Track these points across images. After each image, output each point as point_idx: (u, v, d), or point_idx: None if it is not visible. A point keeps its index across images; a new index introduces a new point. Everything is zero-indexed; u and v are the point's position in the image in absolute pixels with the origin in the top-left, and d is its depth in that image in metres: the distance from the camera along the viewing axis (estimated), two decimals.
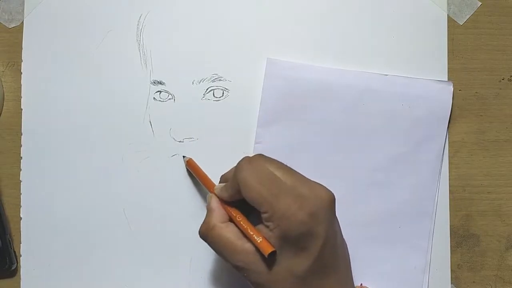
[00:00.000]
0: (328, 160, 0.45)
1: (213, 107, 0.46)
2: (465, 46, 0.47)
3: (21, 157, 0.46)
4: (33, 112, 0.46)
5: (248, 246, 0.37)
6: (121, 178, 0.46)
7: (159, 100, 0.46)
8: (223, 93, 0.46)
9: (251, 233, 0.37)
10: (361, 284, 0.44)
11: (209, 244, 0.39)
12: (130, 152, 0.46)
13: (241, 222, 0.38)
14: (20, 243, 0.45)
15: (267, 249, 0.36)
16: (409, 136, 0.45)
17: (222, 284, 0.45)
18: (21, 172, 0.46)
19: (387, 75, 0.46)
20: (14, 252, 0.45)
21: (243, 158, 0.38)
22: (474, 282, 0.46)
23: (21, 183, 0.46)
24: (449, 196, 0.46)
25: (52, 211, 0.46)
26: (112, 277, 0.45)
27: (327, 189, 0.37)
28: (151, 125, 0.46)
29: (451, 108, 0.46)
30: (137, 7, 0.46)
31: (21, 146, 0.46)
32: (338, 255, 0.38)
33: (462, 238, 0.46)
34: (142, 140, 0.46)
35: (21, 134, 0.46)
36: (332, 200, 0.37)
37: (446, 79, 0.46)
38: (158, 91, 0.46)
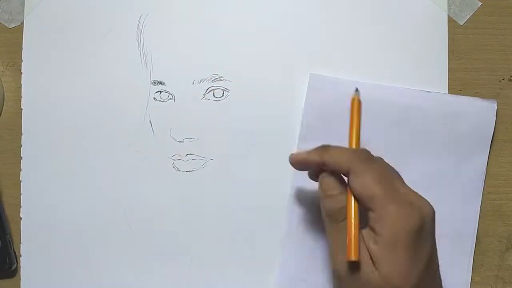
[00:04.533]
0: None
1: (213, 107, 0.46)
2: (465, 46, 0.47)
3: (21, 157, 0.46)
4: (33, 112, 0.46)
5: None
6: (121, 178, 0.46)
7: (159, 100, 0.46)
8: (223, 93, 0.46)
9: (353, 233, 0.35)
10: None
11: (330, 230, 0.37)
12: (130, 152, 0.46)
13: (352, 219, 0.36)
14: (20, 243, 0.45)
15: (353, 255, 0.34)
16: (451, 154, 0.45)
17: (222, 284, 0.45)
18: (21, 172, 0.46)
19: (430, 92, 0.45)
20: (14, 252, 0.45)
21: (361, 149, 0.38)
22: (474, 282, 0.46)
23: (21, 183, 0.46)
24: None
25: (52, 211, 0.46)
26: (112, 277, 0.45)
27: (429, 203, 0.36)
28: (151, 125, 0.46)
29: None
30: (137, 7, 0.46)
31: (21, 146, 0.46)
32: (438, 270, 0.37)
33: None
34: (142, 140, 0.46)
35: (21, 134, 0.46)
36: (434, 215, 0.36)
37: (446, 79, 0.46)
38: (158, 91, 0.46)
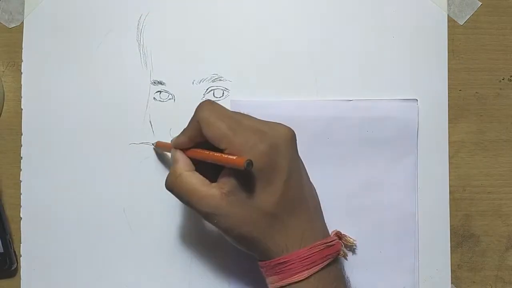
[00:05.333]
0: None
1: None
2: (465, 46, 0.47)
3: (21, 157, 0.46)
4: (33, 112, 0.46)
5: (214, 190, 0.37)
6: (121, 178, 0.46)
7: (159, 100, 0.46)
8: (223, 93, 0.46)
9: (220, 157, 0.36)
10: (338, 230, 0.43)
11: (176, 194, 0.39)
12: (130, 152, 0.46)
13: (206, 154, 0.38)
14: (20, 243, 0.45)
15: (241, 160, 0.34)
16: (380, 158, 0.45)
17: (222, 284, 0.45)
18: (21, 172, 0.46)
19: (351, 100, 0.46)
20: (14, 252, 0.45)
21: (204, 100, 0.39)
22: (474, 282, 0.46)
23: (21, 183, 0.46)
24: (449, 196, 0.46)
25: (52, 211, 0.46)
26: (112, 277, 0.45)
27: (287, 126, 0.38)
28: (151, 125, 0.46)
29: (448, 110, 0.46)
30: (137, 7, 0.46)
31: (21, 146, 0.46)
32: (305, 193, 0.38)
33: (462, 238, 0.46)
34: (142, 140, 0.46)
35: (21, 134, 0.46)
36: (292, 135, 0.38)
37: (446, 79, 0.46)
38: (158, 91, 0.46)
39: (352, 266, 0.45)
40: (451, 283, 0.46)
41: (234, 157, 0.35)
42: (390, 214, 0.45)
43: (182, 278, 0.45)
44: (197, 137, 0.38)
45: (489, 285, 0.46)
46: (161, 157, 0.46)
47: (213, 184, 0.37)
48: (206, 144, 0.38)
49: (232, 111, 0.38)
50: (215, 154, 0.37)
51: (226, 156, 0.36)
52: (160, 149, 0.45)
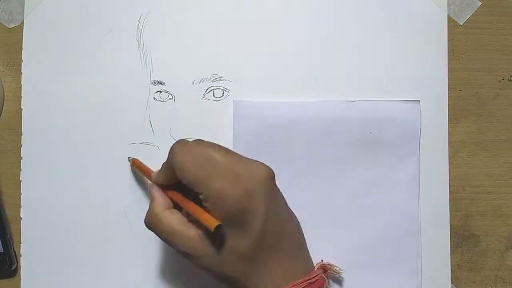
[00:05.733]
0: (304, 194, 0.45)
1: (213, 107, 0.46)
2: (465, 46, 0.47)
3: (21, 157, 0.46)
4: (33, 112, 0.46)
5: (193, 231, 0.37)
6: (121, 178, 0.46)
7: (159, 100, 0.46)
8: (223, 93, 0.46)
9: (195, 210, 0.36)
10: (322, 261, 0.43)
11: (155, 233, 0.39)
12: (130, 152, 0.46)
13: (183, 202, 0.38)
14: (20, 243, 0.45)
15: (213, 223, 0.35)
16: (382, 159, 0.45)
17: (222, 284, 0.45)
18: (21, 172, 0.46)
19: (353, 101, 0.45)
20: (14, 252, 0.45)
21: (176, 141, 0.38)
22: (474, 282, 0.46)
23: (21, 183, 0.46)
24: (449, 196, 0.46)
25: (52, 211, 0.46)
26: (112, 277, 0.45)
27: (264, 165, 0.37)
28: (151, 125, 0.46)
29: (448, 110, 0.46)
30: (137, 7, 0.46)
31: (21, 146, 0.46)
32: (284, 231, 0.38)
33: (462, 238, 0.46)
34: (142, 140, 0.46)
35: (21, 134, 0.46)
36: (269, 177, 0.37)
37: (446, 79, 0.46)
38: (158, 91, 0.46)
39: (354, 268, 0.45)
40: (451, 283, 0.46)
41: (207, 217, 0.35)
42: (392, 216, 0.45)
43: (182, 278, 0.45)
44: (175, 178, 0.38)
45: (489, 285, 0.46)
46: (134, 173, 0.46)
47: (191, 224, 0.38)
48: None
49: (207, 150, 0.37)
50: (192, 205, 0.37)
51: (200, 213, 0.36)
52: (135, 169, 0.45)
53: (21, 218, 0.46)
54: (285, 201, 0.39)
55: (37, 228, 0.46)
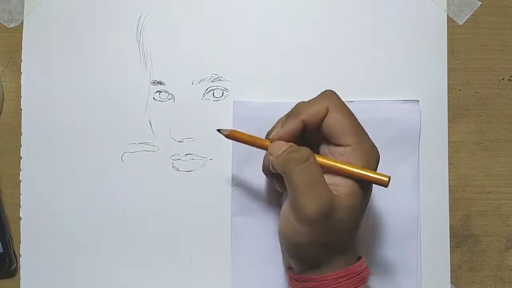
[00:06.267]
0: None
1: (213, 107, 0.46)
2: (465, 46, 0.47)
3: (21, 157, 0.46)
4: (33, 112, 0.46)
5: (329, 193, 0.35)
6: (121, 178, 0.46)
7: (159, 100, 0.46)
8: (223, 93, 0.46)
9: (359, 169, 0.35)
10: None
11: (294, 177, 0.34)
12: (130, 152, 0.46)
13: (329, 161, 0.36)
14: (20, 243, 0.46)
15: (385, 176, 0.35)
16: (382, 159, 0.45)
17: (222, 284, 0.45)
18: (21, 172, 0.46)
19: (352, 101, 0.45)
20: (14, 252, 0.45)
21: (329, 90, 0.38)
22: (474, 282, 0.46)
23: (21, 183, 0.46)
24: (449, 196, 0.46)
25: (52, 211, 0.46)
26: (112, 277, 0.45)
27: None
28: (151, 125, 0.46)
29: (448, 110, 0.46)
30: (137, 7, 0.46)
31: (21, 146, 0.46)
32: None
33: (462, 238, 0.46)
34: (142, 140, 0.46)
35: (21, 134, 0.46)
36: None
37: (446, 79, 0.46)
38: (158, 91, 0.46)
39: None
40: (451, 283, 0.46)
41: (379, 174, 0.36)
42: (392, 216, 0.45)
43: (182, 278, 0.46)
44: (297, 133, 0.36)
45: (488, 285, 0.46)
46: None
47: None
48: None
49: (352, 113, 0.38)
50: (352, 166, 0.36)
51: (369, 171, 0.36)
52: (232, 137, 0.40)
53: (20, 218, 0.46)
54: None
55: (37, 228, 0.46)
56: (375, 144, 0.37)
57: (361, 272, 0.37)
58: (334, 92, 0.38)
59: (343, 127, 0.36)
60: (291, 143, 0.37)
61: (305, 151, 0.35)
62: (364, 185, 0.36)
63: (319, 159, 0.36)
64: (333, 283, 0.36)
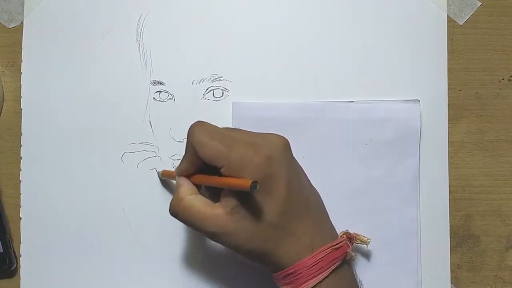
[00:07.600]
0: None
1: (213, 107, 0.46)
2: (465, 46, 0.47)
3: (21, 157, 0.46)
4: (33, 112, 0.46)
5: (218, 210, 0.37)
6: (121, 178, 0.46)
7: (159, 100, 0.46)
8: (223, 93, 0.46)
9: (224, 181, 0.36)
10: (347, 230, 0.42)
11: (180, 218, 0.38)
12: (130, 152, 0.46)
13: (210, 179, 0.38)
14: (20, 243, 0.46)
15: (247, 182, 0.34)
16: (382, 160, 0.45)
17: (222, 284, 0.45)
18: (21, 172, 0.46)
19: (352, 101, 0.45)
20: (14, 252, 0.45)
21: (194, 123, 0.38)
22: (474, 282, 0.46)
23: (21, 183, 0.46)
24: (449, 196, 0.46)
25: (52, 211, 0.46)
26: (112, 277, 0.45)
27: (279, 135, 0.38)
28: (151, 125, 0.46)
29: (448, 110, 0.46)
30: (137, 7, 0.46)
31: (21, 146, 0.46)
32: (308, 197, 0.38)
33: (462, 238, 0.46)
34: (142, 140, 0.46)
35: (21, 134, 0.46)
36: (286, 143, 0.38)
37: (446, 79, 0.46)
38: (158, 91, 0.46)
39: (354, 268, 0.45)
40: (451, 283, 0.46)
41: (239, 180, 0.35)
42: (392, 216, 0.45)
43: (182, 278, 0.46)
44: (196, 161, 0.38)
45: (488, 285, 0.46)
46: (165, 183, 0.46)
47: (216, 204, 0.37)
48: (209, 168, 0.37)
49: (223, 128, 0.38)
50: (219, 178, 0.37)
51: (231, 179, 0.36)
52: (165, 178, 0.45)
53: (21, 218, 0.46)
54: (303, 170, 0.40)
55: (37, 228, 0.46)
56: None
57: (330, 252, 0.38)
58: (193, 127, 0.38)
59: (208, 156, 0.37)
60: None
61: (175, 196, 0.39)
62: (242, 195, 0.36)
63: (196, 179, 0.39)
64: (306, 268, 0.37)
